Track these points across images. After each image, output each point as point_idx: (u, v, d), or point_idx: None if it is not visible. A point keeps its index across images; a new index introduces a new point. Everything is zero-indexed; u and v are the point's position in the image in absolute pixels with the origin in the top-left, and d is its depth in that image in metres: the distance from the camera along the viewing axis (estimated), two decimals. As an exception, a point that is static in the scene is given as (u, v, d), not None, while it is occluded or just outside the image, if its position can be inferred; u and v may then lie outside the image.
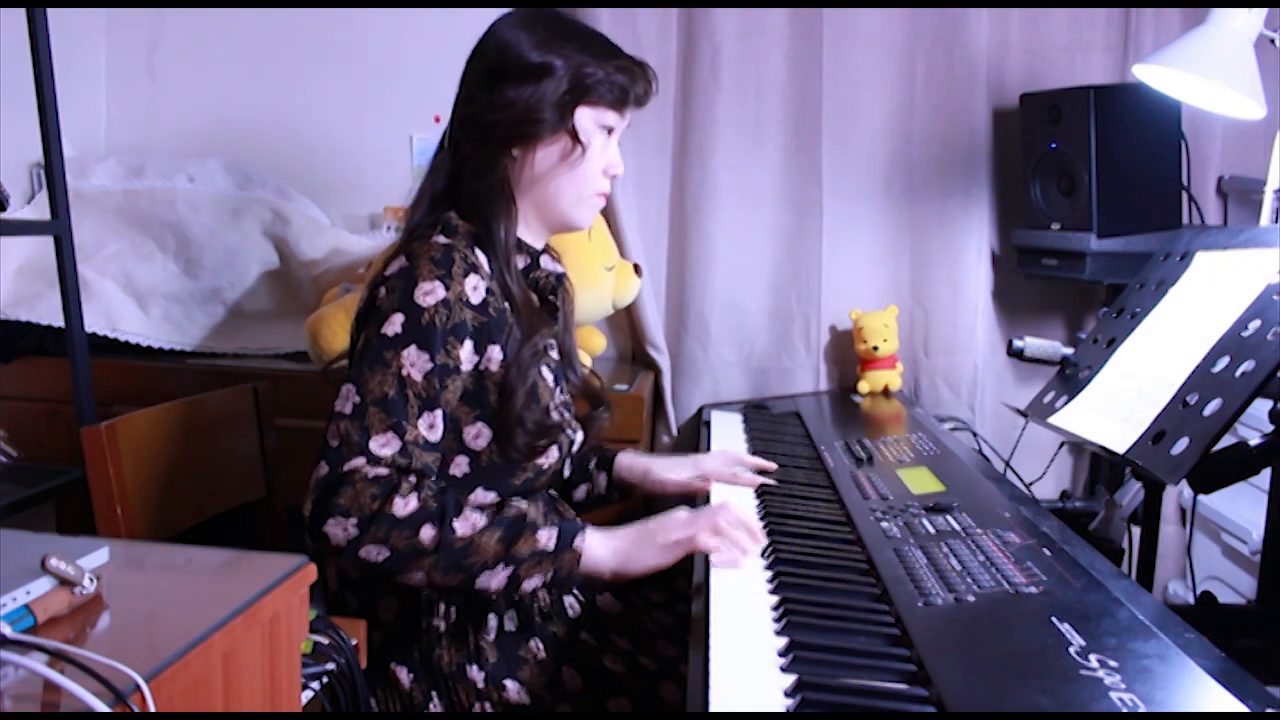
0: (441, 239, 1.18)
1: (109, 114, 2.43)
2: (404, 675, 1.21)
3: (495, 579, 1.10)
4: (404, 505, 1.06)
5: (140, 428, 1.40)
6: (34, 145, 1.71)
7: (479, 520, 1.09)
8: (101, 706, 0.65)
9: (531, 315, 1.24)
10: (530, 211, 1.29)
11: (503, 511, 1.12)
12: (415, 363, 1.12)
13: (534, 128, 1.22)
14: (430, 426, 1.13)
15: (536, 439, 1.22)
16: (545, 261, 1.33)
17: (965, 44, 2.18)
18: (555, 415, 1.26)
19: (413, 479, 1.09)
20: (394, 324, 1.12)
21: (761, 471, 1.50)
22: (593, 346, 2.18)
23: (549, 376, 1.28)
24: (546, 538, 1.12)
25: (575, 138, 1.24)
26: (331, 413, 1.12)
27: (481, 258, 1.22)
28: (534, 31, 1.23)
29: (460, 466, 1.21)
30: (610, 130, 1.28)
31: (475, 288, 1.17)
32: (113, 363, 1.98)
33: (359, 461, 1.07)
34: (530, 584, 1.11)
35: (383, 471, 1.08)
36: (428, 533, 1.06)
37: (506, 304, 1.22)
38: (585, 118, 1.25)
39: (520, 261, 1.28)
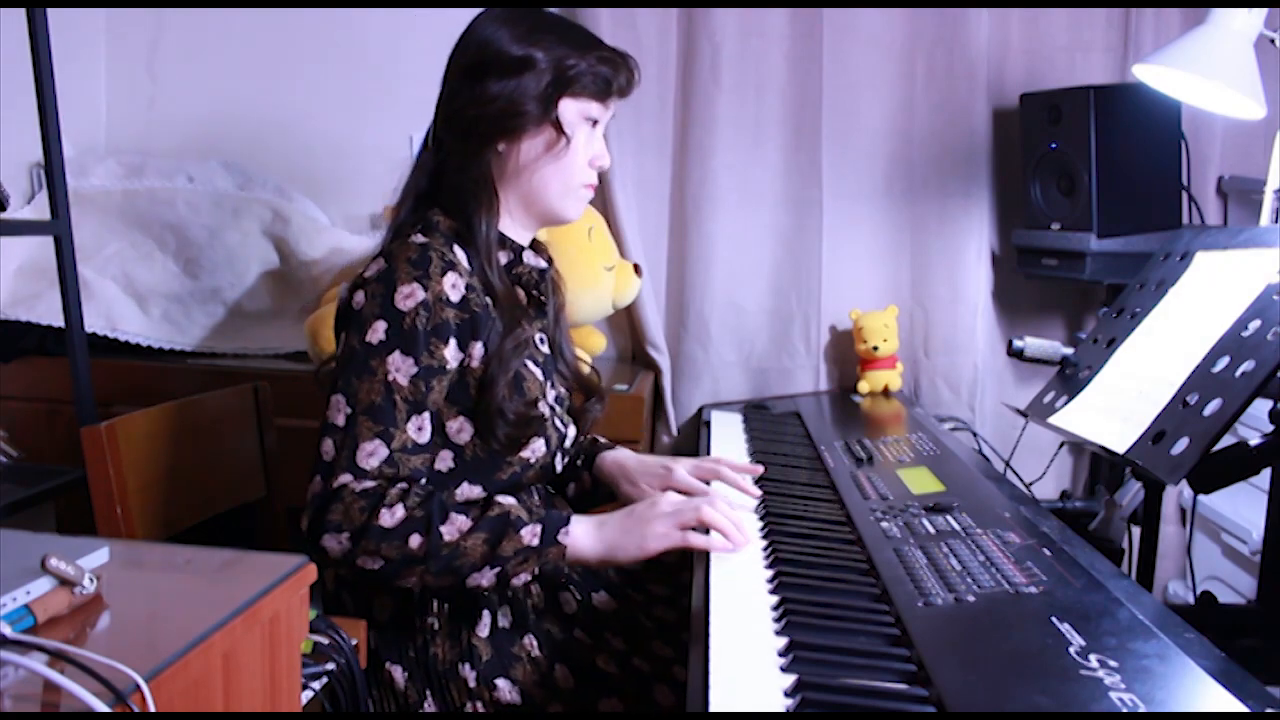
0: (419, 238, 1.19)
1: (109, 114, 2.43)
2: (399, 675, 1.21)
3: (485, 578, 1.12)
4: (391, 516, 1.08)
5: (140, 428, 1.40)
6: (34, 145, 1.71)
7: (464, 523, 1.11)
8: (101, 706, 0.65)
9: (513, 308, 1.24)
10: (517, 205, 1.30)
11: (488, 511, 1.13)
12: (400, 368, 1.13)
13: (517, 120, 1.23)
14: (419, 429, 1.15)
15: (518, 430, 1.22)
16: (528, 257, 1.33)
17: (965, 44, 2.18)
18: (543, 409, 1.26)
19: (401, 486, 1.11)
20: (377, 331, 1.14)
21: (763, 482, 1.46)
22: (593, 346, 2.17)
23: (536, 371, 1.28)
24: (530, 535, 1.13)
25: (559, 129, 1.25)
26: (324, 424, 1.13)
27: (460, 254, 1.22)
28: (514, 25, 1.24)
29: (445, 461, 1.21)
30: (595, 122, 1.29)
31: (454, 285, 1.17)
32: (113, 363, 1.97)
33: (346, 478, 1.10)
34: (519, 580, 1.13)
35: (369, 484, 1.10)
36: (415, 541, 1.09)
37: (489, 299, 1.22)
38: (569, 109, 1.25)
39: (503, 257, 1.28)
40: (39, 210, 1.99)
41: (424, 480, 1.16)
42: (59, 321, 1.79)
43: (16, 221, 1.99)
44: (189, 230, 2.19)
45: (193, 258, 2.19)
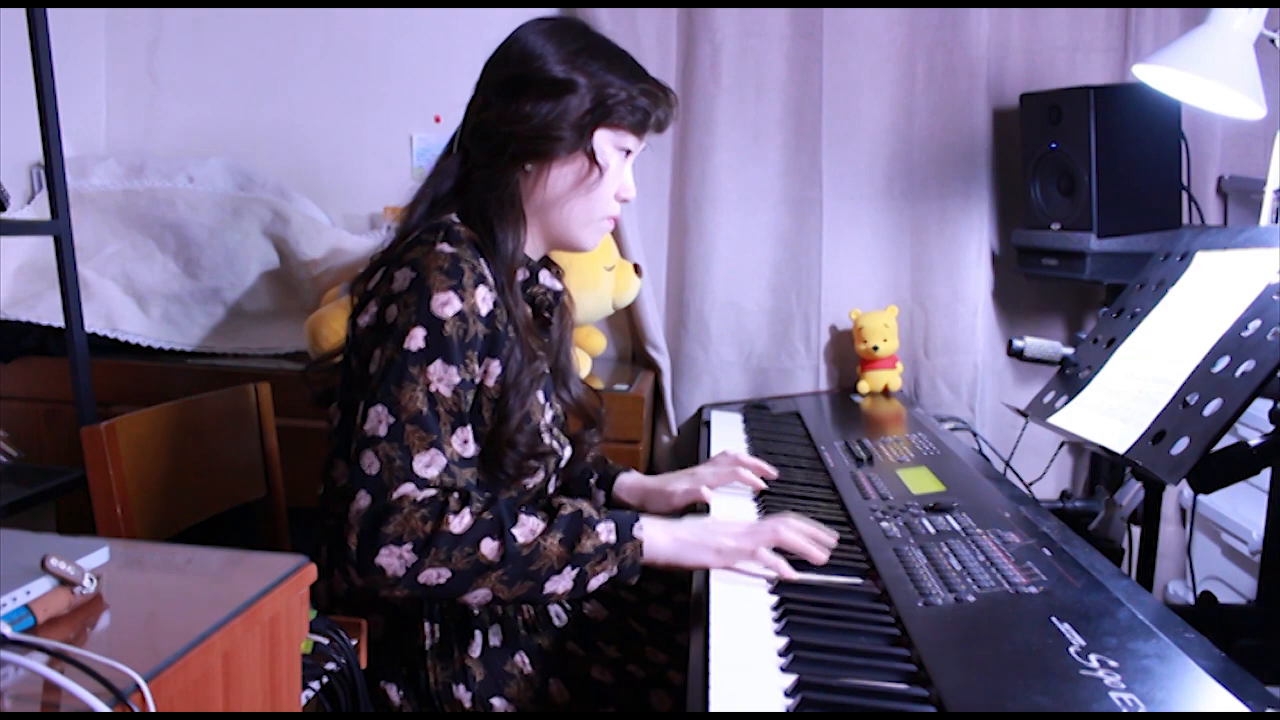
0: (447, 247, 1.14)
1: (109, 114, 2.43)
2: (393, 693, 1.19)
3: (562, 582, 1.07)
4: (459, 523, 1.03)
5: (140, 428, 1.40)
6: (34, 145, 1.71)
7: (536, 524, 1.07)
8: (101, 706, 0.65)
9: (532, 336, 1.21)
10: (536, 228, 1.26)
11: (559, 511, 1.09)
12: (443, 378, 1.09)
13: (551, 145, 1.19)
14: (464, 442, 1.11)
15: (526, 460, 1.19)
16: (544, 278, 1.30)
17: (965, 44, 2.18)
18: (546, 436, 1.23)
19: (458, 496, 1.07)
20: (416, 338, 1.09)
21: (765, 480, 1.46)
22: (593, 346, 2.18)
23: (539, 395, 1.25)
24: (606, 531, 1.09)
25: (593, 159, 1.21)
26: (362, 438, 1.07)
27: (486, 268, 1.18)
28: (561, 44, 1.20)
29: None
30: (627, 153, 1.26)
31: (484, 299, 1.13)
32: (113, 363, 1.98)
33: (408, 488, 1.04)
34: (596, 581, 1.09)
35: (430, 493, 1.05)
36: (489, 546, 1.04)
37: (508, 318, 1.19)
38: (604, 139, 1.22)
39: (519, 274, 1.24)
40: (39, 210, 1.99)
41: (477, 493, 1.10)
42: (59, 321, 1.79)
43: (16, 221, 1.99)
44: (189, 230, 2.19)
45: (193, 258, 2.19)
